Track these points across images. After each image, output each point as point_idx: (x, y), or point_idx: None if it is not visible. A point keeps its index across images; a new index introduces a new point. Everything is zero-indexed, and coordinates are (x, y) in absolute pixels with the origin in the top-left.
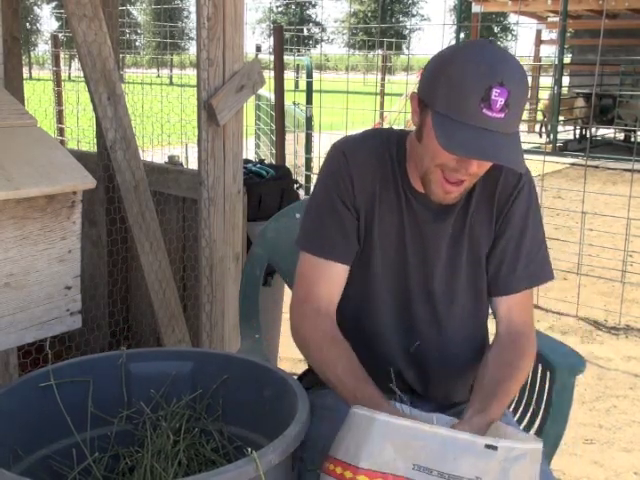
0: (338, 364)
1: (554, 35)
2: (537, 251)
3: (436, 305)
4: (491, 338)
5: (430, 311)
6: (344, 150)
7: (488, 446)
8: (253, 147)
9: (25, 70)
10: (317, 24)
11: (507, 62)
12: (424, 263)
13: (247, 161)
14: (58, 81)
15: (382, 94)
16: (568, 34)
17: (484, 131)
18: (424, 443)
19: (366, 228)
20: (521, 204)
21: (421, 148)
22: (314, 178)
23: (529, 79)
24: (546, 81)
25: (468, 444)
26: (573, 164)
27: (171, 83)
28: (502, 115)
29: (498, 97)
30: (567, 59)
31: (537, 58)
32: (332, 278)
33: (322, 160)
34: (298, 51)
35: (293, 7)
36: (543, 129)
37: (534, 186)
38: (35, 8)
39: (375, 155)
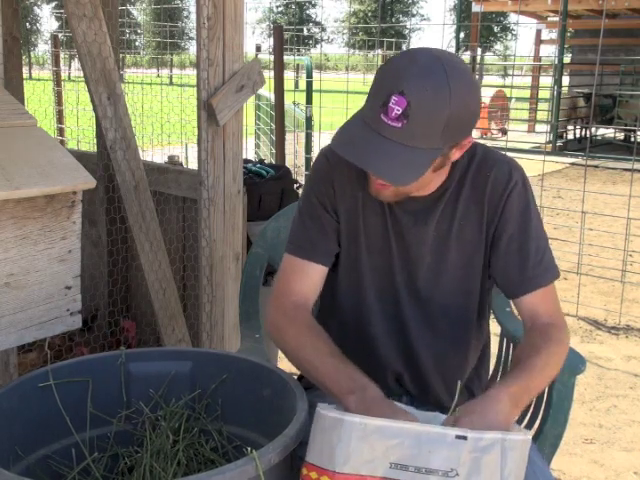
0: (321, 345)
1: (554, 35)
2: (544, 247)
3: (423, 306)
4: (493, 338)
5: (418, 312)
6: (327, 155)
7: (459, 437)
8: (253, 147)
9: (25, 70)
10: (317, 24)
11: (421, 74)
12: (408, 265)
13: (247, 161)
14: (58, 81)
15: None
16: (568, 34)
17: (377, 135)
18: (398, 440)
19: (351, 231)
20: (516, 202)
21: None
22: None
23: (529, 79)
24: (546, 81)
25: (440, 436)
26: (573, 164)
27: (171, 83)
28: (399, 124)
29: (395, 105)
30: (567, 59)
31: (537, 58)
32: (309, 277)
33: None
34: (298, 51)
35: (293, 7)
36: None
37: (528, 182)
38: (35, 8)
39: None
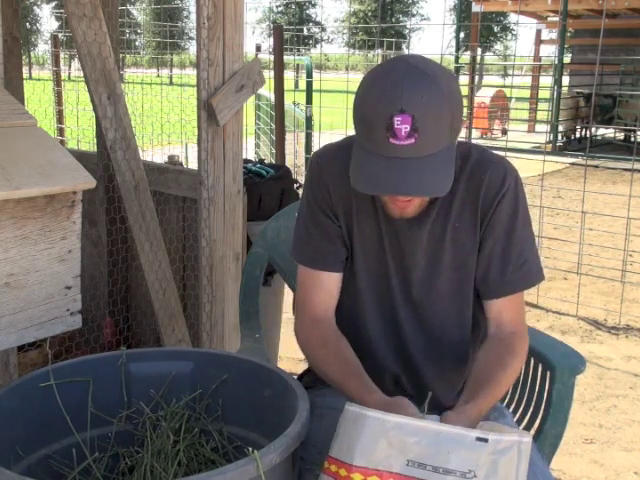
0: (329, 360)
1: (554, 35)
2: (527, 253)
3: (418, 309)
4: None
5: (413, 315)
6: (319, 161)
7: (479, 439)
8: (253, 147)
9: (25, 70)
10: (317, 24)
11: (410, 84)
12: (402, 268)
13: (247, 161)
14: (58, 81)
15: None
16: (568, 34)
17: (394, 160)
18: (417, 438)
19: (348, 234)
20: (506, 206)
21: None
22: None
23: (529, 79)
24: (546, 81)
25: (460, 437)
26: (573, 164)
27: (171, 83)
28: (412, 141)
29: (401, 125)
30: (567, 59)
31: (537, 58)
32: (325, 286)
33: None
34: (298, 51)
35: (293, 7)
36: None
37: (521, 187)
38: (35, 8)
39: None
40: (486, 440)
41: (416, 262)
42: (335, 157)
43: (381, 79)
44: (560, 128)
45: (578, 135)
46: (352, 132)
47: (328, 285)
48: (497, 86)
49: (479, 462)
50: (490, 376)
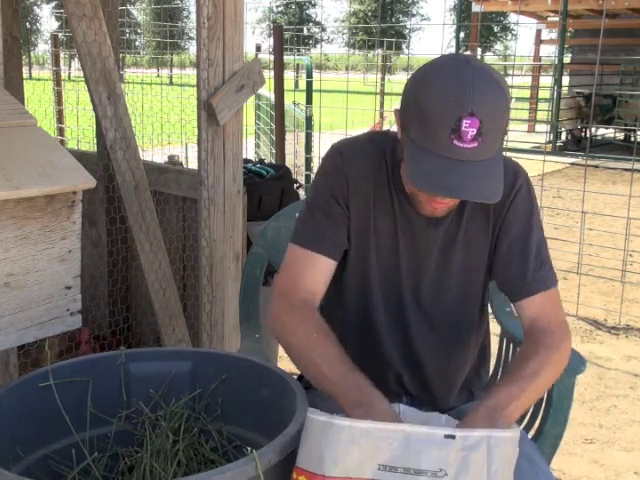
0: (331, 349)
1: (554, 35)
2: (544, 256)
3: (426, 307)
4: (493, 338)
5: (420, 312)
6: (342, 152)
7: (447, 436)
8: (253, 147)
9: (25, 70)
10: (317, 24)
11: (480, 87)
12: (415, 266)
13: (247, 161)
14: (58, 81)
15: (382, 94)
16: (568, 34)
17: (455, 162)
18: (388, 442)
19: (362, 230)
20: (520, 206)
21: (403, 167)
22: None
23: (529, 79)
24: (546, 81)
25: (429, 437)
26: (573, 164)
27: (171, 83)
28: (475, 144)
29: (469, 128)
30: (567, 59)
31: (537, 58)
32: (319, 271)
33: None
34: (298, 51)
35: (293, 7)
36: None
37: (532, 187)
38: (35, 8)
39: (371, 160)
40: (453, 437)
41: (430, 261)
42: (360, 151)
43: (447, 78)
44: (565, 127)
45: (578, 135)
46: (352, 132)
47: (322, 270)
48: None
49: (449, 460)
50: (510, 374)
